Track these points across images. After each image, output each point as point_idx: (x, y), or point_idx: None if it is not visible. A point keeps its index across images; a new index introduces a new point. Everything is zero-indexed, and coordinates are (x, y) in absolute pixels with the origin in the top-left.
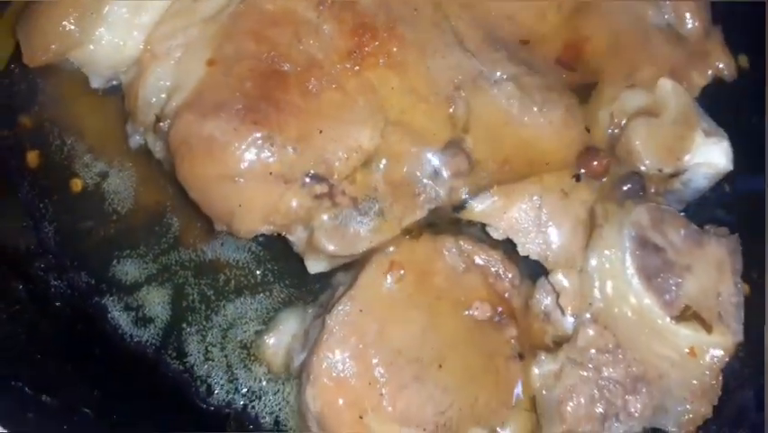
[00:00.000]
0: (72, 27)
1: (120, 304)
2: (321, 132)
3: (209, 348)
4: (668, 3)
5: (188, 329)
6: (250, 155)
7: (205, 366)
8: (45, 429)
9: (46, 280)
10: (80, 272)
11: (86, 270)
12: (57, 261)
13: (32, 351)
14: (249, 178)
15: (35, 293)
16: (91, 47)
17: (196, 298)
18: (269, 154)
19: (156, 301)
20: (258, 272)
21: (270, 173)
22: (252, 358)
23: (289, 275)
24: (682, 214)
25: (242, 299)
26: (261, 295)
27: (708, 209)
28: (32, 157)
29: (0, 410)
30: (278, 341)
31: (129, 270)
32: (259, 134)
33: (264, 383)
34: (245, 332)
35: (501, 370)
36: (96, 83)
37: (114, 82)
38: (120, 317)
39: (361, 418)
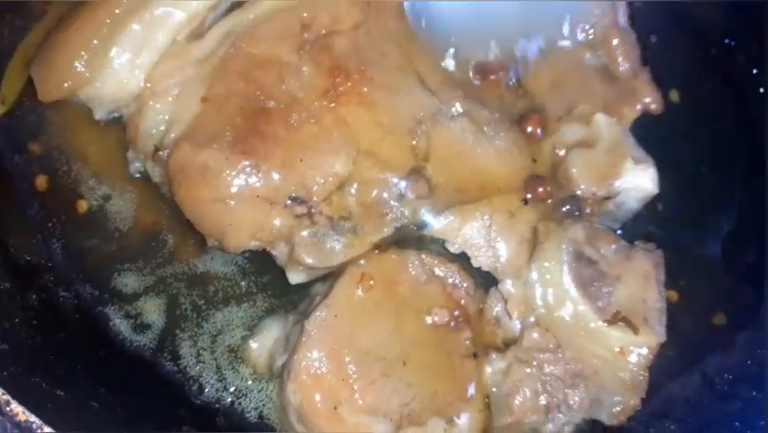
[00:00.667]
0: (82, 68)
1: (121, 312)
2: (301, 160)
3: (200, 351)
4: (603, 47)
5: (182, 335)
6: (239, 181)
7: (197, 367)
8: (62, 418)
9: (55, 292)
10: (85, 284)
11: (90, 282)
12: (64, 274)
13: (46, 352)
14: (238, 200)
15: (46, 303)
16: (98, 85)
17: (189, 307)
18: (256, 180)
19: (153, 310)
20: (243, 284)
21: (257, 196)
22: (239, 360)
23: (272, 286)
24: (619, 232)
25: (229, 308)
26: (247, 304)
27: (643, 226)
28: (41, 181)
29: (25, 402)
30: (262, 345)
31: (129, 282)
32: (247, 163)
33: (250, 382)
34: (232, 337)
35: (458, 367)
36: (99, 115)
37: (115, 114)
38: (121, 324)
39: (335, 409)
